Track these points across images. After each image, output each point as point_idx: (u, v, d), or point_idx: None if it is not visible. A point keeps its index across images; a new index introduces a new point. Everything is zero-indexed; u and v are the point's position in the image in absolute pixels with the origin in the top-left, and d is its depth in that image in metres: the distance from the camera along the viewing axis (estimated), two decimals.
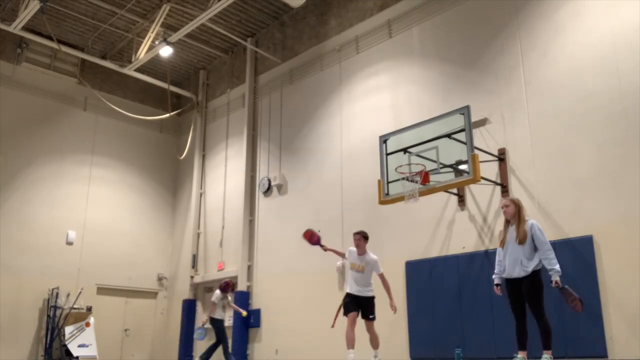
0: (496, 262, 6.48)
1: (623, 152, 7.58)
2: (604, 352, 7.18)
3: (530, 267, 6.02)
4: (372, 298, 7.56)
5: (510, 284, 6.17)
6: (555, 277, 5.91)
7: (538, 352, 6.02)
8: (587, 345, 7.33)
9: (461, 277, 8.94)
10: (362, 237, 7.66)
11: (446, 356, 8.54)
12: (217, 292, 10.88)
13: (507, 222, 6.37)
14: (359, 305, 7.46)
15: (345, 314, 7.46)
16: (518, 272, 6.07)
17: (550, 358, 5.81)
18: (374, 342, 7.51)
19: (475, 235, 9.04)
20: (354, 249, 7.70)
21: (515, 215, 6.26)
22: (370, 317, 7.48)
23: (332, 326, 7.72)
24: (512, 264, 6.15)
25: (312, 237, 8.23)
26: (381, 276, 7.56)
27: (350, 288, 7.54)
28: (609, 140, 7.76)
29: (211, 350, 10.84)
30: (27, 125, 13.98)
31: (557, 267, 5.95)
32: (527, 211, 8.27)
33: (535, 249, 6.10)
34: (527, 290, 6.01)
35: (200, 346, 14.14)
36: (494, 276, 6.48)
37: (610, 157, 7.71)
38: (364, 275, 7.51)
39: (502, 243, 6.36)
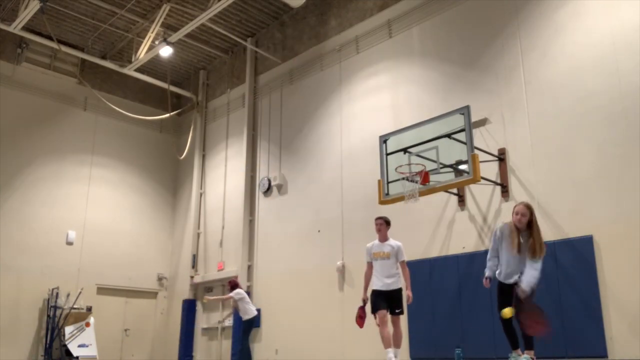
0: (489, 258, 6.09)
1: (623, 152, 7.58)
2: (604, 352, 7.18)
3: None
4: (398, 291, 7.11)
5: (507, 286, 5.94)
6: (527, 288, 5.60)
7: (543, 353, 6.00)
8: (587, 345, 7.33)
9: (461, 277, 8.93)
10: (384, 222, 7.35)
11: (446, 356, 8.54)
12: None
13: (516, 227, 5.94)
14: (386, 301, 7.04)
15: (374, 311, 7.07)
16: (516, 279, 5.81)
17: (533, 358, 5.74)
18: (397, 340, 7.02)
19: (475, 235, 9.04)
20: (370, 243, 7.36)
21: (526, 224, 5.84)
22: (397, 311, 7.05)
23: (361, 327, 7.27)
24: (512, 272, 5.86)
25: (360, 320, 7.44)
26: (402, 263, 7.17)
27: (376, 284, 7.13)
28: (609, 140, 7.75)
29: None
30: (27, 125, 13.98)
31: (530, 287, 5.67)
32: None
33: None
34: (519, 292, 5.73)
35: (201, 347, 14.17)
36: (486, 270, 6.12)
37: (610, 157, 7.71)
38: (389, 262, 7.12)
39: (518, 247, 5.81)
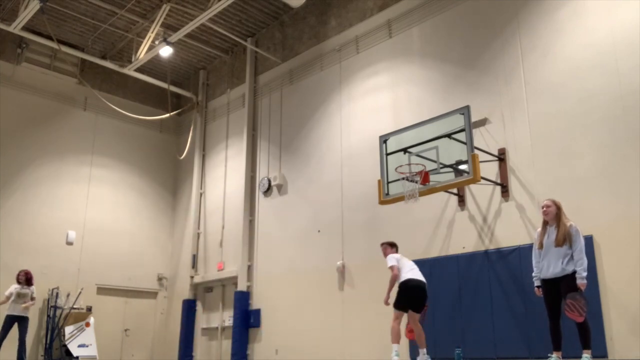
0: (534, 264, 6.36)
1: (623, 152, 7.58)
2: (604, 352, 7.18)
3: (570, 268, 5.96)
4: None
5: (548, 284, 6.13)
6: (581, 281, 5.86)
7: (544, 353, 6.01)
8: None
9: (461, 277, 8.93)
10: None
11: (446, 356, 8.54)
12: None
13: (546, 223, 6.28)
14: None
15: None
16: (556, 273, 6.01)
17: (590, 357, 5.76)
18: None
19: (475, 235, 9.04)
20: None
21: (555, 216, 6.17)
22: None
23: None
24: (550, 265, 6.08)
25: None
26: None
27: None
28: (609, 140, 7.76)
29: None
30: (27, 125, 13.97)
31: (584, 274, 5.87)
32: (528, 211, 8.36)
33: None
34: (567, 290, 5.91)
35: (201, 347, 14.17)
36: (534, 278, 6.36)
37: (610, 157, 7.71)
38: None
39: (540, 244, 6.24)
